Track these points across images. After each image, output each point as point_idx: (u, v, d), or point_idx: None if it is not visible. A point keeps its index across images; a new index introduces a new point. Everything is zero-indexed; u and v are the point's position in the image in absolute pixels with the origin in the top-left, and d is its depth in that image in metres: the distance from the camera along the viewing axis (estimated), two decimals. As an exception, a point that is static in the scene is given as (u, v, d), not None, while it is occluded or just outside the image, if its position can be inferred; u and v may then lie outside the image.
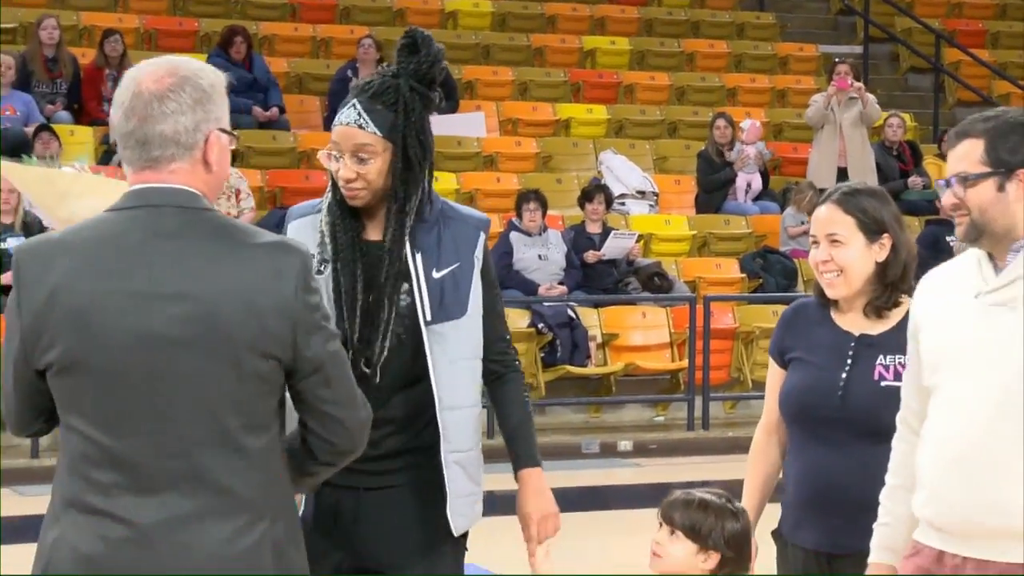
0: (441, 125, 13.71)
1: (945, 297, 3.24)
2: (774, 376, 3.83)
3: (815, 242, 3.69)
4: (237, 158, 12.77)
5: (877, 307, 3.66)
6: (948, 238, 12.80)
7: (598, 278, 12.06)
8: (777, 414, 3.81)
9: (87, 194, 3.36)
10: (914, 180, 14.08)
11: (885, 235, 3.62)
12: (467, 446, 3.55)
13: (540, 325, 11.51)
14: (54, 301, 2.78)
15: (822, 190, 13.35)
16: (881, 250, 3.61)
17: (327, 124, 13.64)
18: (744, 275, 12.61)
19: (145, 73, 2.83)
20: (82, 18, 13.99)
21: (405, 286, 3.53)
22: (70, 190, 3.41)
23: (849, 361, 3.66)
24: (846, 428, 3.62)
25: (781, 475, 3.86)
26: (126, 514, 2.77)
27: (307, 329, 2.81)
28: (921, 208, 13.84)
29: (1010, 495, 3.08)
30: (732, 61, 16.22)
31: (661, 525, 3.55)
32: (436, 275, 3.54)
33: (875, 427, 3.52)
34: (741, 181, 13.61)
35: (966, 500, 3.14)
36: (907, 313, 3.46)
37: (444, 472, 3.50)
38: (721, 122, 13.58)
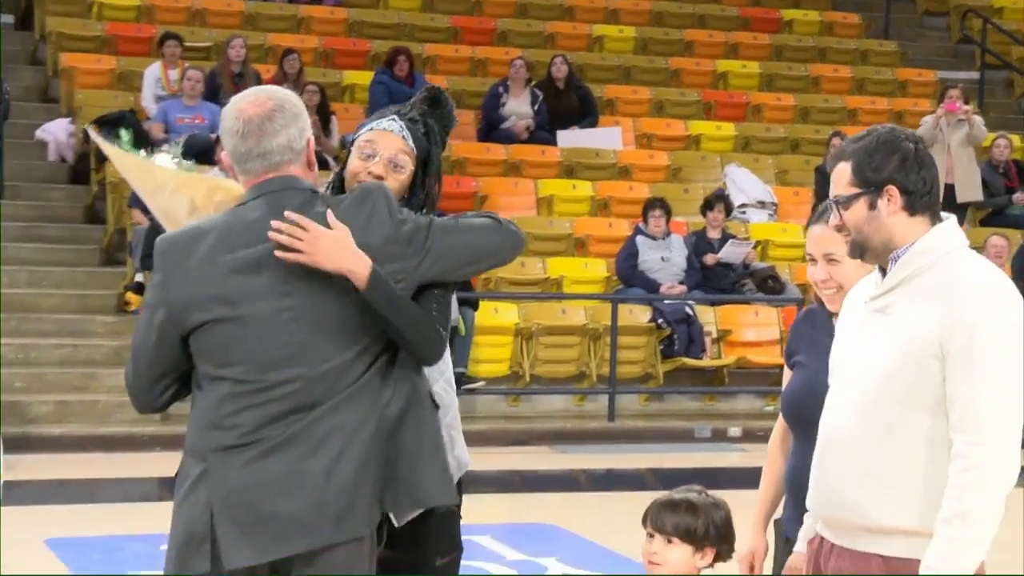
0: (581, 138, 13.97)
1: (853, 304, 3.23)
2: (786, 378, 3.78)
3: (812, 260, 3.58)
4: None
5: None
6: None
7: (715, 279, 12.17)
8: None
9: (180, 190, 3.58)
10: (1019, 196, 13.93)
11: None
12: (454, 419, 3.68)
13: (660, 320, 11.67)
14: (201, 272, 3.17)
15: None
16: None
17: (479, 136, 13.95)
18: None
19: (246, 103, 3.24)
20: (268, 38, 14.42)
21: None
22: (165, 184, 3.61)
23: None
24: None
25: None
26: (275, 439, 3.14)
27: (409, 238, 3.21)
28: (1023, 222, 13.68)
29: (856, 493, 3.06)
30: (855, 84, 16.14)
31: (652, 535, 3.49)
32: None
33: None
34: (855, 194, 13.53)
35: (825, 492, 3.16)
36: None
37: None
38: (837, 139, 13.53)
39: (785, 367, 3.80)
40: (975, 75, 16.52)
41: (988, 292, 3.03)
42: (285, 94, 3.29)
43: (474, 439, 11.47)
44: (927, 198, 3.12)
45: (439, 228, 3.29)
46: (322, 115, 12.68)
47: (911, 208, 3.11)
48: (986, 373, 3.00)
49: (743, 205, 13.38)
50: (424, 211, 3.53)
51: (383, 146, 3.56)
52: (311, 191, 3.26)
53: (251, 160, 3.23)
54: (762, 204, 13.54)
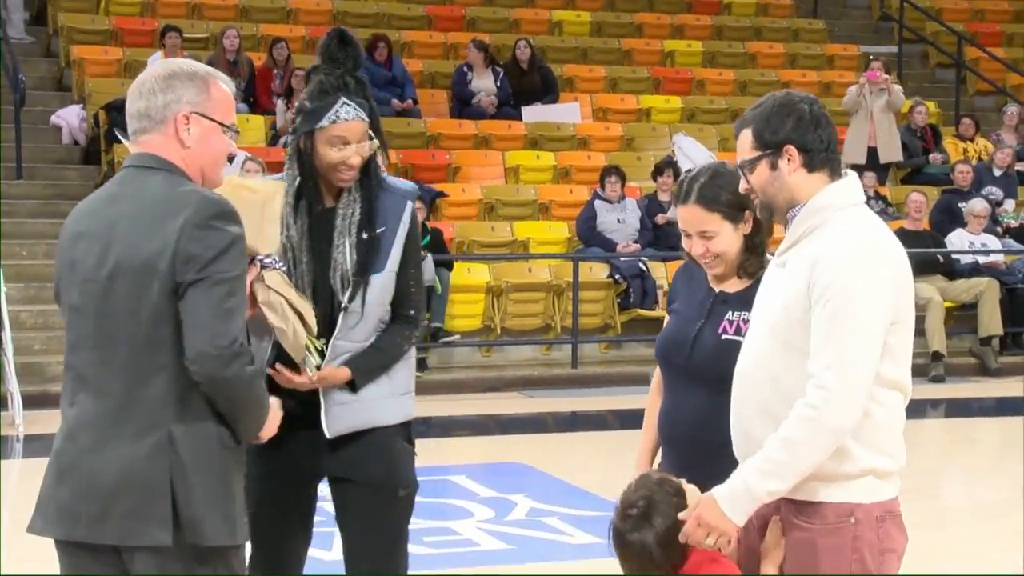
0: (544, 113, 13.66)
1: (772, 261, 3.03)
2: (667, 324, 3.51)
3: (687, 235, 3.32)
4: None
5: (748, 269, 3.33)
6: (960, 204, 12.45)
7: (666, 238, 11.87)
8: None
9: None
10: (934, 157, 13.71)
11: (746, 212, 3.26)
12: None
13: (617, 276, 11.42)
14: (62, 242, 2.89)
15: (853, 165, 13.19)
16: (746, 225, 3.28)
17: (452, 113, 13.63)
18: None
19: (151, 68, 2.92)
20: (260, 29, 14.06)
21: (344, 244, 3.41)
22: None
23: (704, 317, 3.34)
24: (693, 376, 3.29)
25: None
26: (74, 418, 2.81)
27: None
28: (939, 180, 13.44)
29: (758, 432, 2.88)
30: (787, 59, 15.85)
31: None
32: (365, 236, 3.41)
33: (715, 376, 3.16)
34: (789, 158, 13.31)
35: (739, 433, 2.98)
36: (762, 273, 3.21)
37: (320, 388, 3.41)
38: (772, 110, 13.30)
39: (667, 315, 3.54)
40: (894, 49, 16.23)
41: (854, 250, 2.82)
42: (182, 64, 2.87)
43: (451, 387, 11.41)
44: (824, 155, 2.90)
45: None
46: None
47: (810, 165, 2.89)
48: (836, 324, 2.78)
49: (690, 170, 13.03)
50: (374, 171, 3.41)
51: (353, 137, 3.35)
52: (166, 170, 2.80)
53: (128, 122, 2.86)
54: (706, 169, 13.25)
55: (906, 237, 11.80)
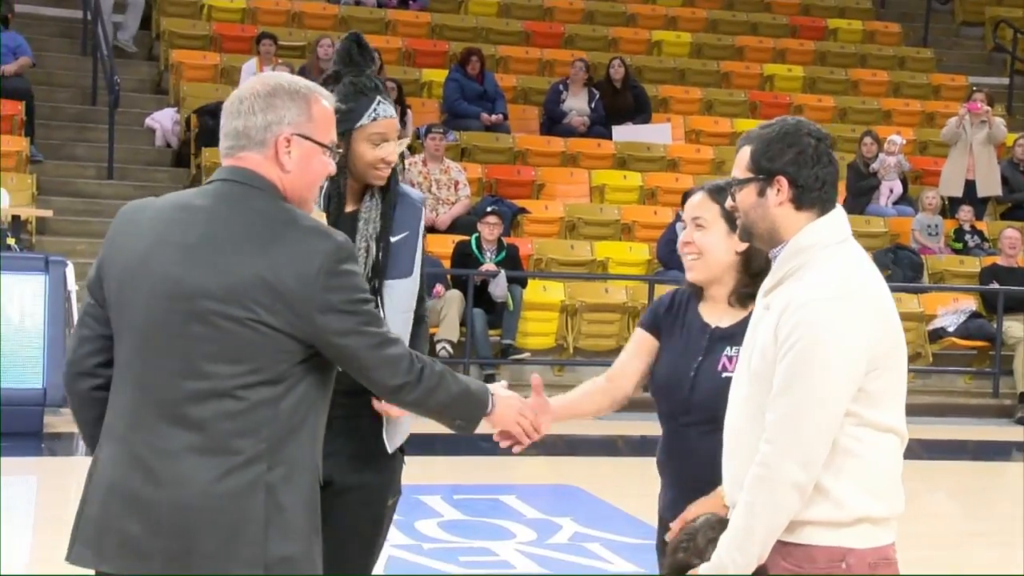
0: (634, 133, 13.51)
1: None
2: (637, 339, 3.36)
3: (684, 226, 3.24)
4: (464, 154, 12.81)
5: (741, 296, 3.19)
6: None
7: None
8: (625, 369, 3.34)
9: None
10: (1037, 192, 13.27)
11: None
12: None
13: (695, 300, 11.20)
14: (125, 246, 2.63)
15: (951, 198, 12.82)
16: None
17: (542, 130, 13.56)
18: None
19: (250, 81, 2.73)
20: (357, 39, 14.10)
21: (367, 247, 3.40)
22: None
23: (702, 354, 3.21)
24: (692, 414, 3.18)
25: None
26: (138, 443, 2.56)
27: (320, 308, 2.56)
28: (1041, 216, 13.01)
29: (744, 470, 2.72)
30: (891, 88, 15.47)
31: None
32: (393, 239, 3.41)
33: (713, 415, 3.01)
34: (885, 188, 13.00)
35: (729, 478, 2.83)
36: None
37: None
38: (868, 139, 12.99)
39: (638, 330, 3.36)
40: (1005, 81, 15.78)
41: (825, 295, 2.65)
42: (283, 80, 2.66)
43: (521, 405, 11.24)
44: (817, 194, 2.73)
45: None
46: (399, 109, 12.40)
47: (798, 202, 2.73)
48: (794, 375, 2.64)
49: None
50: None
51: (390, 134, 3.36)
52: (263, 190, 2.62)
53: (221, 138, 2.69)
54: (798, 196, 12.97)
55: (998, 273, 11.48)
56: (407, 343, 3.30)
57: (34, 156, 11.78)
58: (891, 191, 12.98)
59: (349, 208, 3.42)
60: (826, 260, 2.70)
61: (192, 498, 2.50)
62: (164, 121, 12.67)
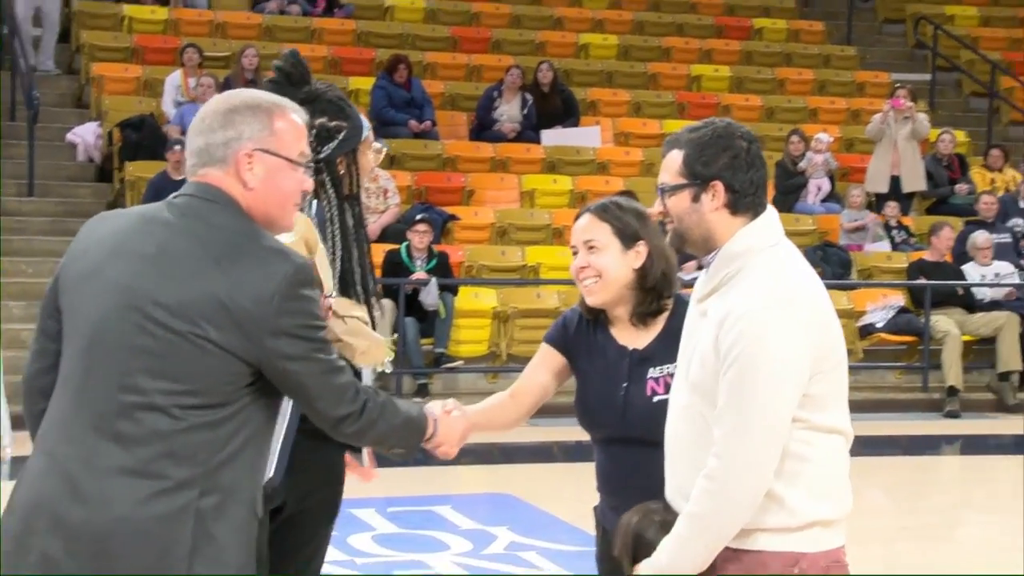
0: (563, 137, 13.51)
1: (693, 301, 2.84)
2: (543, 354, 3.27)
3: (575, 252, 3.16)
4: (393, 162, 12.73)
5: (641, 314, 3.13)
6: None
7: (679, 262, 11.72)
8: (530, 384, 3.28)
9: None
10: (960, 187, 13.41)
11: (640, 242, 3.11)
12: None
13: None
14: (86, 252, 2.60)
15: (877, 194, 12.94)
16: (637, 257, 3.11)
17: (471, 136, 13.52)
18: (806, 265, 12.10)
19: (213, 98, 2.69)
20: (282, 48, 13.99)
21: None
22: None
23: (626, 379, 3.13)
24: (629, 438, 3.10)
25: None
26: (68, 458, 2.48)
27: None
28: (964, 211, 13.14)
29: (692, 487, 2.69)
30: (816, 86, 15.60)
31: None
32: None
33: (652, 438, 2.93)
34: (812, 185, 13.10)
35: (674, 489, 2.79)
36: (667, 321, 3.06)
37: None
38: (795, 137, 13.10)
39: (544, 346, 3.27)
40: (927, 77, 15.96)
41: (762, 304, 2.63)
42: (245, 96, 2.59)
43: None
44: (751, 199, 2.71)
45: None
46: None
47: (733, 207, 2.71)
48: (739, 388, 2.61)
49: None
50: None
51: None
52: (224, 205, 2.55)
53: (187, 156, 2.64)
54: (726, 196, 13.04)
55: (925, 268, 11.60)
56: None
57: (-49, 174, 11.57)
58: (819, 189, 13.09)
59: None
60: (761, 266, 2.68)
61: (115, 521, 2.42)
62: (86, 136, 12.48)
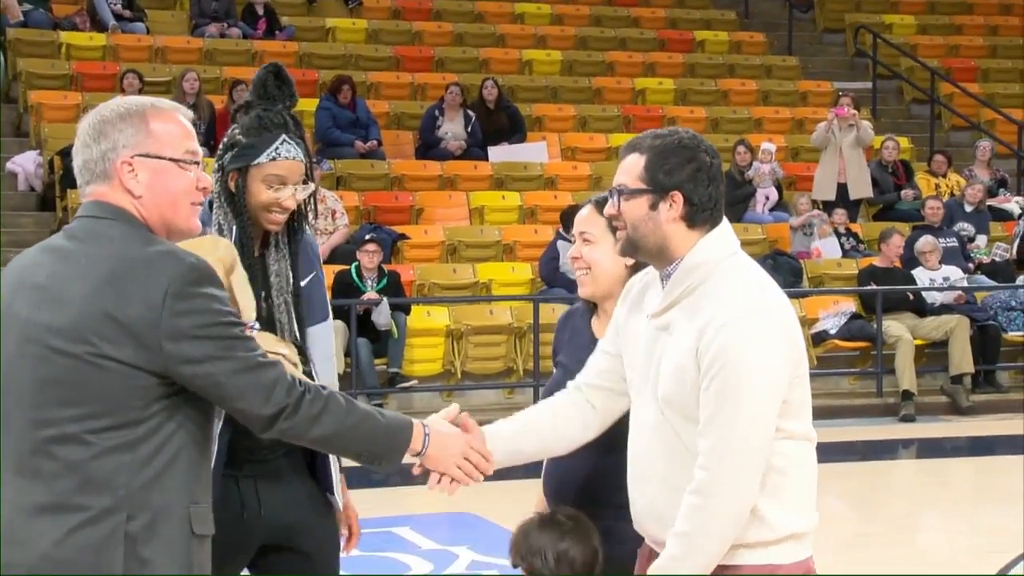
0: (510, 153, 13.49)
1: (641, 309, 2.76)
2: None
3: (574, 241, 3.18)
4: (340, 182, 12.65)
5: None
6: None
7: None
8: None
9: None
10: (906, 193, 13.54)
11: None
12: None
13: (580, 317, 11.19)
14: (2, 292, 2.54)
15: (824, 202, 13.01)
16: None
17: (417, 154, 13.46)
18: (756, 274, 12.15)
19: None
20: (224, 71, 13.90)
21: (285, 301, 3.21)
22: None
23: None
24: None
25: None
26: None
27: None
28: (911, 216, 13.25)
29: (667, 509, 2.65)
30: (760, 96, 15.70)
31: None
32: (303, 283, 3.23)
33: (606, 439, 2.93)
34: (760, 195, 13.16)
35: (642, 509, 2.74)
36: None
37: (320, 458, 3.20)
38: (741, 148, 13.17)
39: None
40: (868, 85, 16.11)
41: (740, 313, 2.58)
42: (113, 106, 2.54)
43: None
44: (708, 214, 2.67)
45: None
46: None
47: (690, 220, 2.66)
48: (723, 401, 2.56)
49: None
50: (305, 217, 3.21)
51: (291, 178, 3.13)
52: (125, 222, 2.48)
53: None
54: (675, 207, 13.09)
55: (876, 274, 11.67)
56: (336, 387, 3.13)
57: None
58: (767, 198, 13.15)
59: (255, 253, 3.22)
60: (728, 275, 2.64)
61: (40, 559, 2.35)
62: (26, 164, 12.30)
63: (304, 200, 3.21)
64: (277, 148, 3.13)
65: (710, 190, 2.65)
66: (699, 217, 2.65)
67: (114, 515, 2.36)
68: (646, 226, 2.65)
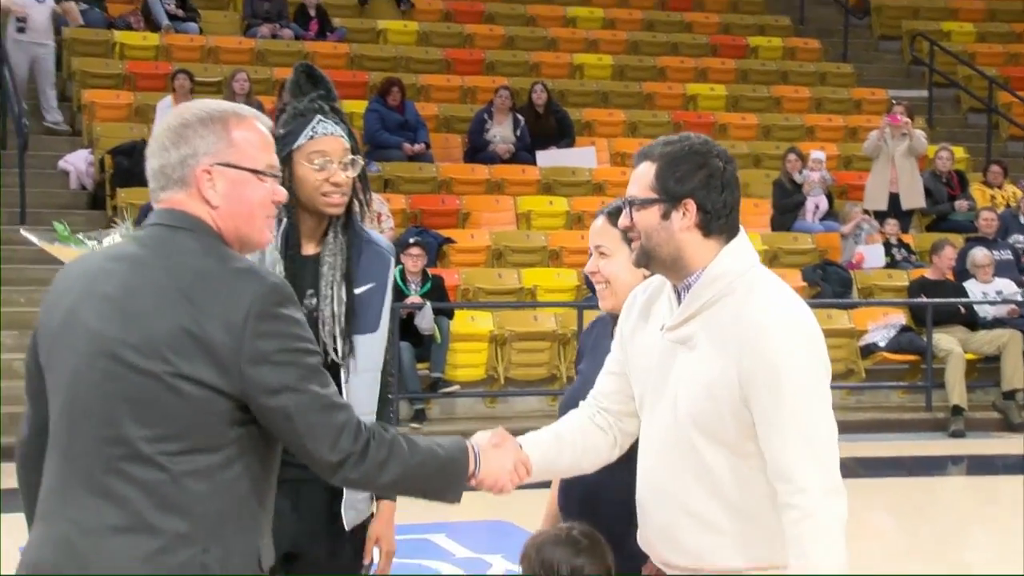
0: (558, 158, 13.42)
1: (648, 321, 2.67)
2: None
3: (591, 253, 3.11)
4: (387, 185, 12.64)
5: None
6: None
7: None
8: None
9: None
10: (960, 203, 13.31)
11: None
12: None
13: (625, 324, 11.11)
14: (57, 301, 2.42)
15: (876, 212, 12.83)
16: None
17: (466, 158, 13.43)
18: (805, 284, 12.00)
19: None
20: (275, 72, 13.92)
21: (333, 296, 3.15)
22: None
23: None
24: None
25: None
26: (63, 521, 2.31)
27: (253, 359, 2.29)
28: (964, 227, 13.03)
29: (681, 533, 2.59)
30: (813, 104, 15.53)
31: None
32: (356, 291, 3.17)
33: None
34: (810, 204, 13.01)
35: (652, 531, 2.66)
36: None
37: None
38: (792, 155, 13.01)
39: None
40: (924, 93, 15.89)
41: (782, 330, 2.51)
42: (195, 109, 2.41)
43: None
44: (723, 221, 2.60)
45: None
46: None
47: (705, 228, 2.59)
48: (791, 417, 2.48)
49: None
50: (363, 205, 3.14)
51: (334, 153, 3.08)
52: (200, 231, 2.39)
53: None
54: (724, 215, 12.98)
55: (926, 286, 11.48)
56: (374, 404, 3.14)
57: (-59, 204, 11.48)
58: (817, 207, 13.00)
59: (308, 251, 3.17)
60: (753, 288, 2.57)
61: None
62: (78, 163, 12.38)
63: (358, 191, 3.16)
64: (314, 127, 3.10)
65: (724, 196, 2.58)
66: (714, 225, 2.58)
67: (190, 544, 2.26)
68: (659, 236, 2.59)
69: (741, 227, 2.66)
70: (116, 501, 2.27)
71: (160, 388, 2.26)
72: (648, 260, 2.62)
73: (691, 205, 2.57)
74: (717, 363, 2.53)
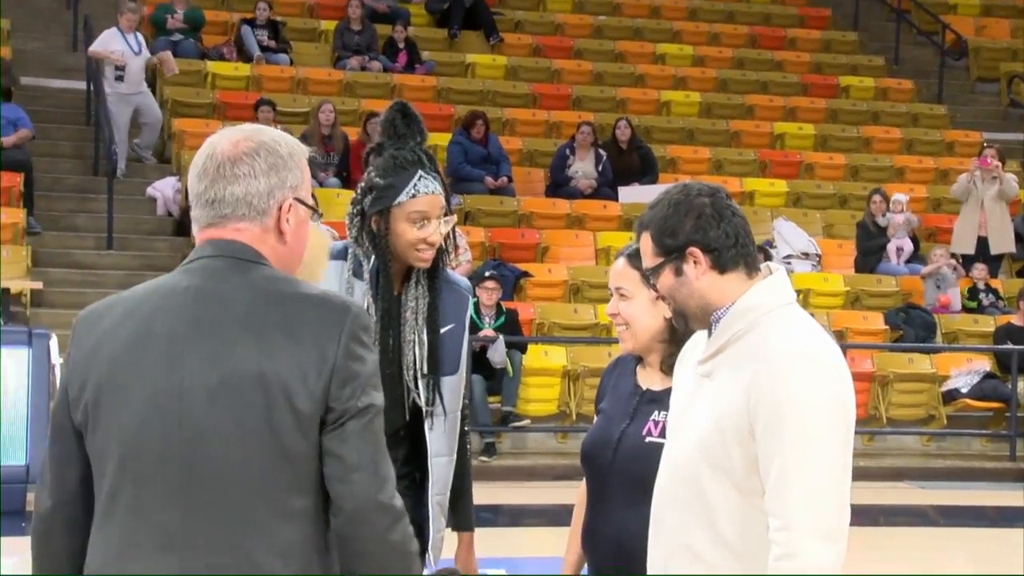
0: (641, 194, 13.35)
1: (687, 363, 2.68)
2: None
3: (612, 295, 3.10)
4: (468, 218, 12.68)
5: (671, 365, 2.97)
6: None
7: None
8: None
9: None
10: (1052, 249, 13.02)
11: None
12: (446, 491, 3.24)
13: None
14: (97, 350, 2.20)
15: (963, 256, 12.57)
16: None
17: (547, 192, 13.42)
18: (887, 327, 11.79)
19: (224, 139, 2.25)
20: (362, 104, 14.07)
21: (416, 340, 3.20)
22: None
23: (629, 417, 3.06)
24: (615, 482, 3.01)
25: None
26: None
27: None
28: (1056, 273, 12.75)
29: (672, 555, 2.55)
30: (904, 145, 15.30)
31: None
32: (435, 333, 3.21)
33: (636, 482, 2.87)
34: (894, 246, 12.80)
35: (658, 561, 2.62)
36: None
37: (428, 511, 3.19)
38: (877, 197, 12.82)
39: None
40: (1021, 136, 15.57)
41: (793, 364, 2.46)
42: (275, 138, 2.25)
43: (523, 474, 10.98)
44: (734, 251, 2.55)
45: None
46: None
47: (720, 266, 2.55)
48: (791, 452, 2.43)
49: (788, 256, 12.62)
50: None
51: (432, 212, 3.13)
52: (261, 265, 2.21)
53: (199, 205, 2.23)
54: (806, 255, 12.80)
55: (1013, 333, 11.21)
56: (455, 446, 3.20)
57: (32, 228, 11.73)
58: (900, 249, 12.78)
59: (394, 292, 3.21)
60: (774, 322, 2.53)
61: None
62: (165, 190, 12.62)
63: (446, 240, 3.21)
64: (415, 185, 3.13)
65: (723, 228, 2.54)
66: (727, 258, 2.54)
67: None
68: (682, 293, 2.58)
69: (780, 267, 2.63)
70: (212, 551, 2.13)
71: (262, 435, 2.14)
72: (684, 319, 2.61)
73: (696, 251, 2.55)
74: (730, 395, 2.51)
